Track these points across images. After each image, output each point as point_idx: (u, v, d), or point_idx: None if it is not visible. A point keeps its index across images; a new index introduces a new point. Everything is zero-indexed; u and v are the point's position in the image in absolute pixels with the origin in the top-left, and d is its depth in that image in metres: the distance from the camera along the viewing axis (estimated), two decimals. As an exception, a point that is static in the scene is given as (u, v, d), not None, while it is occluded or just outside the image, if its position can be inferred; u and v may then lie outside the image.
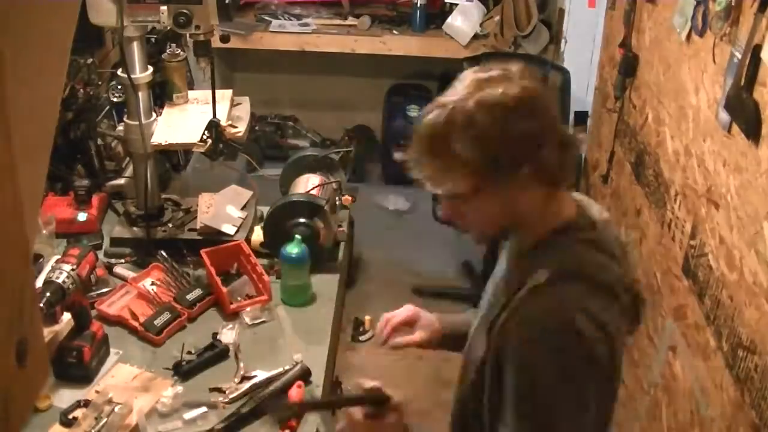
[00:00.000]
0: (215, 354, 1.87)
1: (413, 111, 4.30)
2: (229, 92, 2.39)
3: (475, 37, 3.92)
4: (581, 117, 3.43)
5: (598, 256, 1.29)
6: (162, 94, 2.37)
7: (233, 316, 2.01)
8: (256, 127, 4.41)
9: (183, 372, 1.82)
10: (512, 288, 1.29)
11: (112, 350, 1.88)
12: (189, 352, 1.87)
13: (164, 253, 2.15)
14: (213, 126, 2.11)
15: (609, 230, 1.38)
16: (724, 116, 1.81)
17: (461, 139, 1.21)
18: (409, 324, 1.63)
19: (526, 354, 1.23)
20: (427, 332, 1.63)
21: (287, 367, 1.82)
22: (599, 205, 1.43)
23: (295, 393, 1.75)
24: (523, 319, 1.24)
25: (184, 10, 1.97)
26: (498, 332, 1.28)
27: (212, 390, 1.78)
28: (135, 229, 2.26)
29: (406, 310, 1.65)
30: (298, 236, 2.07)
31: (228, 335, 1.94)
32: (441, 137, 1.23)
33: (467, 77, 1.28)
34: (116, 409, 1.66)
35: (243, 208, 2.33)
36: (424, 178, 1.29)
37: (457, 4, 3.94)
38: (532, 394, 1.23)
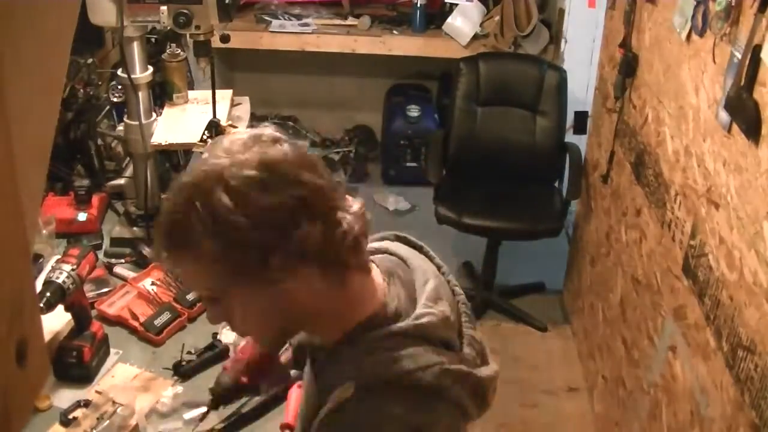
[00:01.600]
0: (215, 354, 1.87)
1: (413, 111, 4.31)
2: (229, 92, 2.39)
3: (475, 37, 3.93)
4: (581, 117, 3.43)
5: (415, 351, 1.05)
6: (162, 94, 2.37)
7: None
8: (256, 127, 4.41)
9: (183, 372, 1.82)
10: (313, 403, 1.11)
11: (112, 350, 1.88)
12: (189, 352, 1.87)
13: (164, 253, 2.15)
14: (213, 126, 2.11)
15: (440, 303, 1.12)
16: (724, 116, 1.81)
17: (199, 225, 0.97)
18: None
19: None
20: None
21: (287, 367, 1.82)
22: (431, 264, 1.22)
23: (296, 393, 1.75)
24: None
25: (184, 10, 1.97)
26: None
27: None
28: (135, 229, 2.26)
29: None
30: (298, 236, 2.06)
31: (228, 335, 1.93)
32: (180, 224, 0.99)
33: (219, 143, 1.04)
34: (118, 410, 1.66)
35: (243, 208, 2.33)
36: (179, 276, 1.12)
37: (457, 4, 3.94)
38: None
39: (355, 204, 1.06)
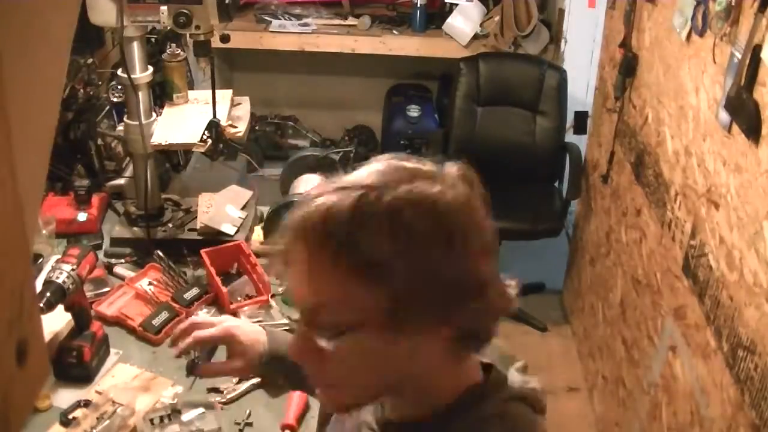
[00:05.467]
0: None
1: (413, 111, 4.31)
2: (229, 92, 2.39)
3: (475, 37, 3.92)
4: (581, 117, 3.43)
5: (529, 415, 0.98)
6: (162, 94, 2.37)
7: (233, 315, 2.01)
8: (256, 127, 4.41)
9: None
10: None
11: (112, 350, 1.88)
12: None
13: (160, 253, 2.15)
14: (213, 126, 2.11)
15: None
16: (724, 116, 1.81)
17: (374, 238, 0.83)
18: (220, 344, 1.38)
19: None
20: (242, 361, 1.33)
21: (287, 367, 1.82)
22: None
23: (297, 396, 1.75)
24: None
25: (184, 10, 1.97)
26: None
27: (210, 391, 1.77)
28: (135, 229, 2.26)
29: (220, 331, 1.34)
30: (298, 236, 2.06)
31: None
32: (341, 230, 0.83)
33: (383, 161, 0.93)
34: (118, 411, 1.66)
35: (243, 208, 2.33)
36: (290, 289, 0.90)
37: (457, 4, 3.94)
38: None
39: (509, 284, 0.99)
